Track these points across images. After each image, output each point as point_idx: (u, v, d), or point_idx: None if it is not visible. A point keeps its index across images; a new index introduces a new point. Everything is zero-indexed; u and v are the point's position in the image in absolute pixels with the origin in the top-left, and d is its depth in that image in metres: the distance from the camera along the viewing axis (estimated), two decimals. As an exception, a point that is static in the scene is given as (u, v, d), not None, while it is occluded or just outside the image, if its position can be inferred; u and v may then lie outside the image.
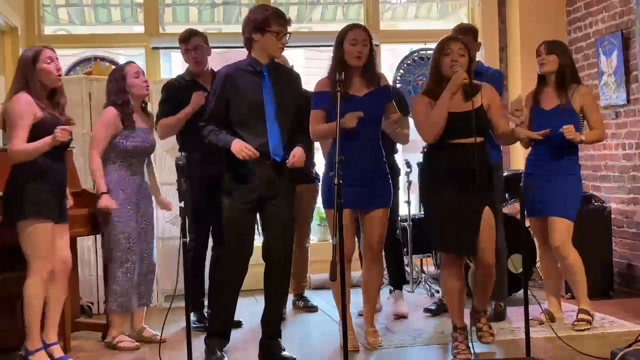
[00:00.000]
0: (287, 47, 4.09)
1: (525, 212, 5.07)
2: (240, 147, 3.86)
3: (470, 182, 3.86)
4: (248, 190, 3.95)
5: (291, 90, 4.11)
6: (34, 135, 3.89)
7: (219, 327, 4.10)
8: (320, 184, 5.30)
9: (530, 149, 4.77)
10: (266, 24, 3.93)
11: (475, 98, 3.88)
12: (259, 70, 4.01)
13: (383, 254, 5.23)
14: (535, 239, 5.00)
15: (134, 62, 4.67)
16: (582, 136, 4.50)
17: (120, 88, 4.51)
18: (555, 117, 4.53)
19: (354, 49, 4.15)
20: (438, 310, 5.10)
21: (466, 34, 4.83)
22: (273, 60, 4.07)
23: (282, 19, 3.97)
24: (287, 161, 3.95)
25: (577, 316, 4.60)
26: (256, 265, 4.21)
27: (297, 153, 3.96)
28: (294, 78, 4.21)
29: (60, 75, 4.04)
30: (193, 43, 4.89)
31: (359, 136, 4.11)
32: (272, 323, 4.12)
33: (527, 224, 5.55)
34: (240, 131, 3.94)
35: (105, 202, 4.38)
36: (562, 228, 4.53)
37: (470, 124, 3.85)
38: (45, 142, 3.85)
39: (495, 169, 4.85)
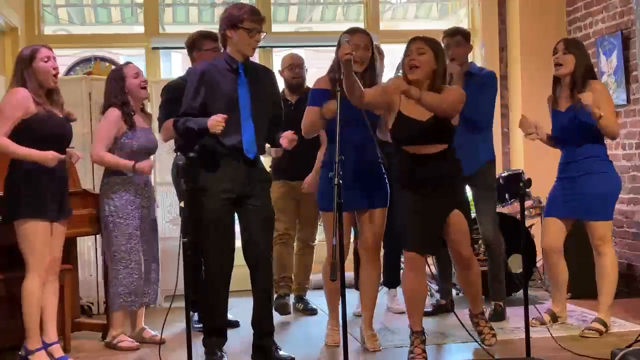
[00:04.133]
0: (287, 47, 4.09)
1: (528, 212, 5.12)
2: (214, 122, 3.84)
3: (433, 188, 3.92)
4: (224, 188, 3.96)
5: (267, 88, 4.12)
6: (24, 129, 3.90)
7: (215, 326, 4.10)
8: None
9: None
10: (239, 21, 3.93)
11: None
12: (234, 67, 4.01)
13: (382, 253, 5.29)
14: (537, 240, 4.95)
15: (132, 63, 4.67)
16: (600, 112, 4.32)
17: (120, 88, 4.51)
18: (572, 117, 4.49)
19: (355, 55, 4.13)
20: (436, 311, 5.12)
21: (453, 37, 4.82)
22: (248, 59, 4.06)
23: (256, 16, 3.97)
24: (279, 141, 4.00)
25: (591, 323, 4.53)
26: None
27: (287, 134, 4.01)
28: (270, 77, 4.22)
29: (56, 75, 4.04)
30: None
31: (345, 138, 4.08)
32: (263, 322, 4.11)
33: (528, 223, 5.58)
34: None
35: (142, 165, 4.39)
36: (601, 231, 4.51)
37: (426, 133, 3.90)
38: (32, 155, 3.87)
39: (487, 165, 4.87)
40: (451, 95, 3.93)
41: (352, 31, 4.21)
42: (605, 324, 4.50)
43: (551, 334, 4.24)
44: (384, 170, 4.31)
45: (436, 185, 3.92)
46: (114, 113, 4.48)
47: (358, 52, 4.10)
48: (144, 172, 4.44)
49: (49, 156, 3.87)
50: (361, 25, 7.01)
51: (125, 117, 4.47)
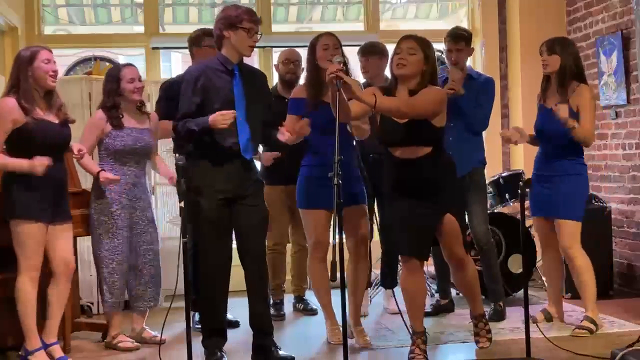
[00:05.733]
0: (287, 47, 4.10)
1: (528, 212, 5.11)
2: (215, 119, 3.83)
3: (423, 193, 3.87)
4: (220, 188, 3.97)
5: (260, 89, 4.15)
6: (16, 139, 3.90)
7: (214, 326, 4.10)
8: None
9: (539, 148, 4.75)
10: (238, 21, 3.94)
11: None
12: (230, 68, 4.02)
13: (380, 255, 5.30)
14: (537, 239, 4.97)
15: (133, 66, 4.62)
16: (574, 123, 4.37)
17: (112, 89, 4.51)
18: (555, 115, 4.51)
19: (326, 53, 4.21)
20: (436, 310, 5.12)
21: (456, 43, 4.79)
22: (242, 60, 4.08)
23: (254, 17, 3.99)
24: (280, 136, 4.03)
25: (581, 322, 4.53)
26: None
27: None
28: (262, 78, 4.25)
29: (55, 78, 4.02)
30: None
31: (325, 140, 4.08)
32: (261, 322, 4.12)
33: (528, 223, 5.58)
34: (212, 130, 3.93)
35: (104, 175, 4.33)
36: (568, 230, 4.51)
37: (404, 134, 3.85)
38: (22, 165, 3.85)
39: (479, 168, 4.88)
40: (422, 97, 3.81)
41: (322, 34, 4.38)
42: (594, 322, 4.49)
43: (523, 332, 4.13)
44: (359, 174, 4.40)
45: (425, 190, 3.87)
46: (98, 115, 4.52)
47: (329, 51, 4.24)
48: (103, 184, 4.36)
49: (35, 164, 3.82)
50: (361, 25, 7.03)
51: (110, 119, 4.47)
